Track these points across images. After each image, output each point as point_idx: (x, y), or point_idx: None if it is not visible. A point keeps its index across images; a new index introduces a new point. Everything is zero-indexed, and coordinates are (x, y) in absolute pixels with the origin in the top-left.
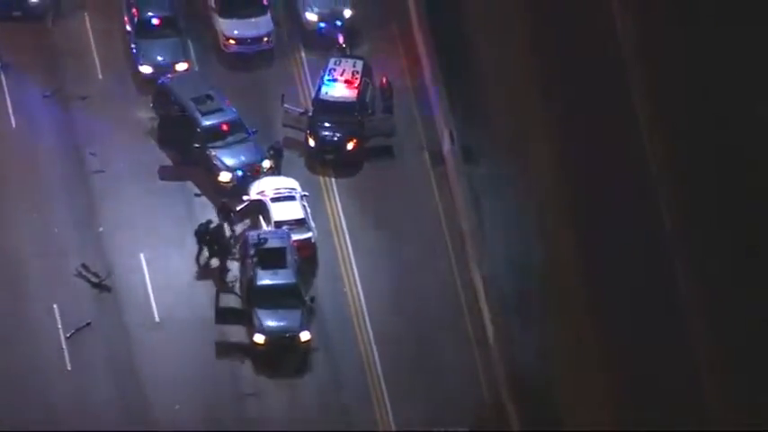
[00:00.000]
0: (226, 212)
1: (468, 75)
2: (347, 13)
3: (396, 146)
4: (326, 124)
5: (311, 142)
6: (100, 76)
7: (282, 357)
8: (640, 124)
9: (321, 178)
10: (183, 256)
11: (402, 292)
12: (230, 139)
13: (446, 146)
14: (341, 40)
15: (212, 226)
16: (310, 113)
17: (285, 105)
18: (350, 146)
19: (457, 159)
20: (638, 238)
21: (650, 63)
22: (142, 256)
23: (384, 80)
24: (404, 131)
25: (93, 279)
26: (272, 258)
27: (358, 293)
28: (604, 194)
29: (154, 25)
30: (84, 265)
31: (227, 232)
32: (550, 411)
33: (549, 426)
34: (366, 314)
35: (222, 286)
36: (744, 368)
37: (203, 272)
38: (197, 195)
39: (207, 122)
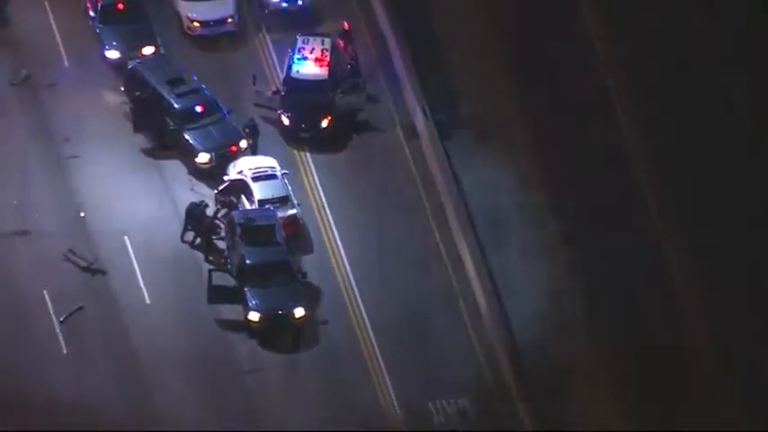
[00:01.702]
0: (226, 206)
1: (433, 50)
2: None
3: (368, 121)
4: (299, 102)
5: (285, 121)
6: (66, 64)
7: (277, 334)
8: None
9: (297, 156)
10: (167, 238)
11: (387, 262)
12: (206, 120)
13: (419, 121)
14: (346, 26)
15: (203, 206)
16: (282, 93)
17: (255, 87)
18: (324, 123)
19: (432, 134)
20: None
21: (618, 36)
22: (126, 238)
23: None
24: (373, 107)
25: (83, 263)
26: (262, 236)
27: (345, 267)
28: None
29: (117, 10)
30: (71, 251)
31: (210, 212)
32: (549, 379)
33: (549, 393)
34: (355, 287)
35: (215, 265)
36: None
37: (189, 252)
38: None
39: (182, 104)
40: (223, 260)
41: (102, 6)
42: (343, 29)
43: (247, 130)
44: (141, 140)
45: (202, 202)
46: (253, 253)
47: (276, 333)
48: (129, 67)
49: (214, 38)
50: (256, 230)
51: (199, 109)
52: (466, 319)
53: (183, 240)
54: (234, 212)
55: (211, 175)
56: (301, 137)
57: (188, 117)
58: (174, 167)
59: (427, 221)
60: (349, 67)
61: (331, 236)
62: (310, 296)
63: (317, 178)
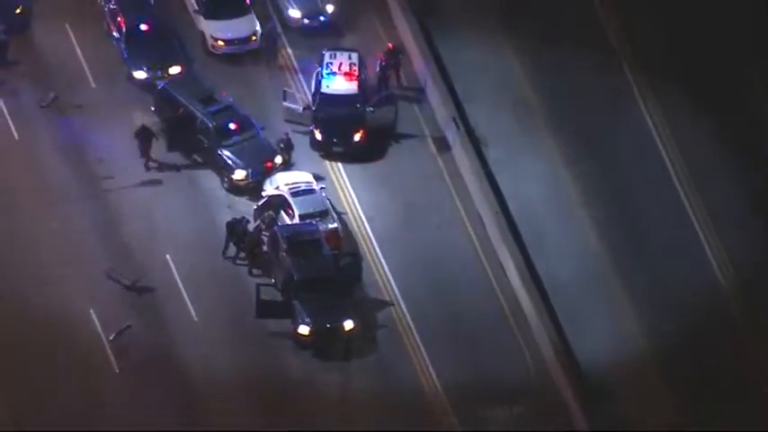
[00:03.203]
0: (267, 222)
1: (458, 60)
2: (329, 8)
3: (400, 134)
4: (331, 117)
5: (318, 136)
6: (93, 85)
7: (328, 346)
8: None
9: (330, 170)
10: (208, 255)
11: (430, 274)
12: (240, 137)
13: (451, 133)
14: (390, 46)
15: (244, 222)
16: (313, 108)
17: (286, 103)
18: (357, 137)
19: (465, 145)
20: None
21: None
22: (168, 257)
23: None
24: (403, 119)
25: (126, 282)
26: (308, 250)
27: (388, 279)
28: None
29: (142, 31)
30: (112, 268)
31: (251, 228)
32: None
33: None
34: (400, 299)
35: (262, 279)
36: None
37: (231, 268)
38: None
39: (216, 122)
40: (263, 274)
41: (127, 28)
42: (389, 48)
43: (282, 146)
44: (175, 159)
45: (243, 218)
46: (300, 267)
47: (327, 345)
48: (160, 86)
49: (238, 56)
50: (303, 245)
51: (232, 126)
52: (513, 326)
53: (224, 256)
54: (277, 228)
55: (247, 191)
56: (334, 151)
57: (222, 134)
58: (210, 185)
59: (466, 230)
60: (387, 85)
61: (371, 248)
62: (358, 308)
63: (352, 192)
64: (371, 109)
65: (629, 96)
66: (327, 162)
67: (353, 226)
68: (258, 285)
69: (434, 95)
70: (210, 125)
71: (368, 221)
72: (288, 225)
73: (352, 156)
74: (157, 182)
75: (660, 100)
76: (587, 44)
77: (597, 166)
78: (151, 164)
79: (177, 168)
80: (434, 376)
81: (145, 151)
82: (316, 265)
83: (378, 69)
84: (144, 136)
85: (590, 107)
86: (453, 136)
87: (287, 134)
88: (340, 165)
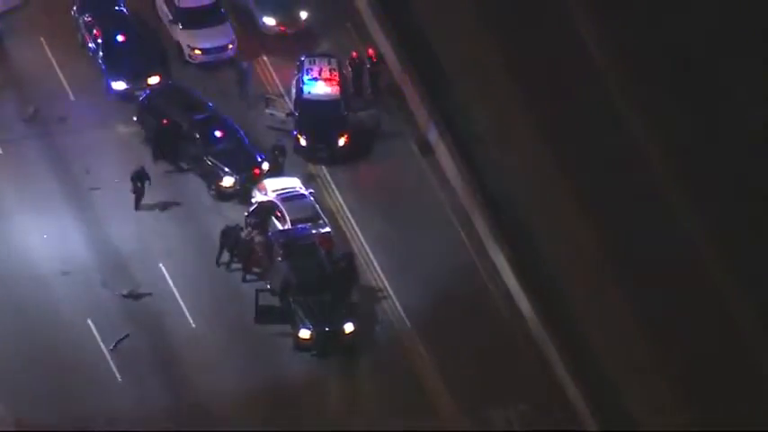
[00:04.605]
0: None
1: (434, 62)
2: (303, 15)
3: (382, 137)
4: (315, 122)
5: (302, 141)
6: (71, 97)
7: (329, 348)
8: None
9: (316, 175)
10: (201, 262)
11: (422, 272)
12: (226, 144)
13: (433, 134)
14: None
15: (238, 229)
16: (296, 114)
17: (268, 110)
18: (341, 141)
19: (448, 146)
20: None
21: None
22: (162, 266)
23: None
24: (386, 123)
25: (123, 291)
26: (305, 254)
27: (382, 281)
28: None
29: (119, 42)
30: (106, 281)
31: (243, 234)
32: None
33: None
34: (396, 301)
35: (257, 285)
36: None
37: (225, 274)
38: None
39: (202, 130)
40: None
41: (104, 39)
42: (369, 54)
43: (276, 152)
44: (160, 169)
45: (237, 225)
46: (299, 271)
47: (328, 348)
48: (142, 97)
49: (214, 64)
50: (299, 249)
51: (218, 134)
52: (510, 322)
53: (218, 263)
54: (271, 234)
55: (234, 197)
56: (319, 156)
57: (208, 142)
58: (197, 193)
59: (455, 228)
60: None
61: (363, 251)
62: (357, 310)
63: (339, 196)
64: (354, 113)
65: (608, 91)
66: (312, 167)
67: (343, 229)
68: (257, 291)
69: (413, 97)
70: (195, 133)
71: (356, 224)
72: (282, 230)
73: (336, 160)
74: (145, 192)
75: (640, 97)
76: (563, 35)
77: (583, 160)
78: (141, 204)
79: (163, 178)
80: (437, 376)
81: (139, 194)
82: (313, 268)
83: (350, 72)
84: (140, 178)
85: (571, 101)
86: (435, 136)
87: (281, 141)
88: (325, 169)
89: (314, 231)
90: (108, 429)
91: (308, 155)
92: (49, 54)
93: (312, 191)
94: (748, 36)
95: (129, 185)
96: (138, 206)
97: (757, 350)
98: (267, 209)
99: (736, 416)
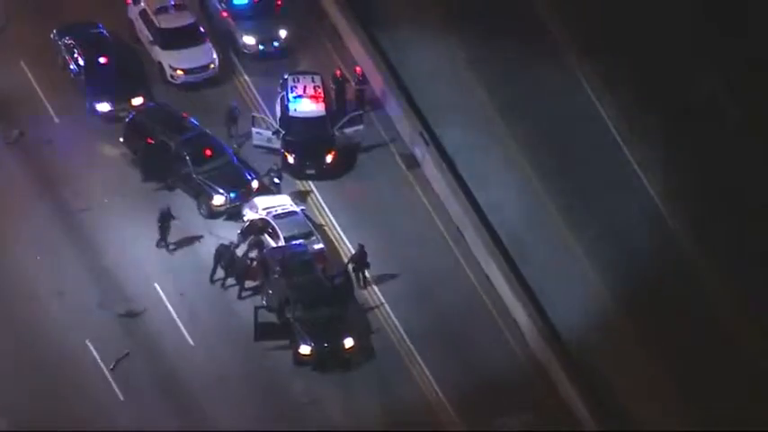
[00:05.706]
0: (254, 246)
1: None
2: (282, 33)
3: (369, 153)
4: (301, 140)
5: (290, 159)
6: (56, 120)
7: (328, 363)
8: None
9: (304, 192)
10: (195, 280)
11: (415, 285)
12: (215, 163)
13: (419, 149)
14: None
15: (233, 247)
16: (282, 132)
17: (254, 128)
18: (329, 158)
19: (435, 159)
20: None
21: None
22: (157, 285)
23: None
24: (372, 138)
25: (120, 311)
26: (303, 270)
27: (376, 293)
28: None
29: (102, 64)
30: (102, 301)
31: (238, 251)
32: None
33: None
34: (391, 313)
35: (252, 302)
36: None
37: (220, 292)
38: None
39: (190, 149)
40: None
41: (85, 61)
42: (356, 72)
43: (273, 174)
44: (149, 188)
45: (232, 242)
46: (297, 288)
47: (327, 363)
48: (129, 117)
49: (196, 84)
50: (297, 266)
51: (207, 152)
52: (506, 333)
53: (212, 281)
54: (266, 251)
55: (225, 215)
56: (307, 173)
57: (197, 161)
58: (188, 212)
59: (445, 241)
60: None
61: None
62: (355, 325)
63: (328, 212)
64: (339, 129)
65: (579, 89)
66: (300, 184)
67: (334, 244)
68: (256, 308)
69: (396, 112)
70: (184, 153)
71: (347, 239)
72: (277, 247)
73: (324, 176)
74: (135, 211)
75: (610, 90)
76: (531, 36)
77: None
78: (167, 244)
79: (152, 198)
80: (437, 388)
81: (164, 233)
82: (311, 284)
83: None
84: (165, 219)
85: (545, 102)
86: (422, 150)
87: (277, 164)
88: (313, 186)
89: (308, 248)
90: None
91: (297, 172)
92: (30, 77)
93: (303, 207)
94: None
95: (125, 208)
96: (161, 243)
97: (757, 350)
98: (260, 227)
99: (736, 416)
